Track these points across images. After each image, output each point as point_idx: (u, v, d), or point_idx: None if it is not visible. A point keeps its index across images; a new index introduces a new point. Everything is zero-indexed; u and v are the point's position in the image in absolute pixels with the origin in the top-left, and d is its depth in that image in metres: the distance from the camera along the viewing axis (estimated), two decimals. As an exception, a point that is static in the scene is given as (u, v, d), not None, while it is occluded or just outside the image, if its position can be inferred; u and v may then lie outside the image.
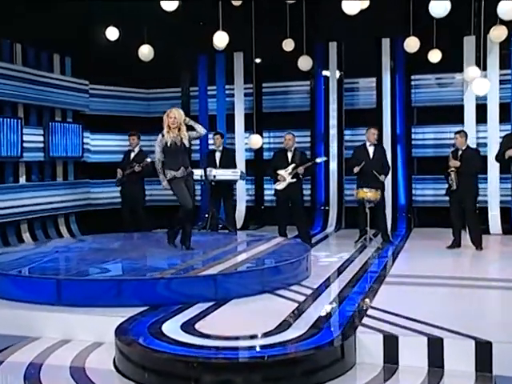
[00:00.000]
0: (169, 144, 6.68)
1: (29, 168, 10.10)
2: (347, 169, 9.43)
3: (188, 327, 4.67)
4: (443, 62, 10.11)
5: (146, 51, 10.43)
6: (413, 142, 10.97)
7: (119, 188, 9.61)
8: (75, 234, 10.86)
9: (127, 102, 12.11)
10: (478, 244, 8.35)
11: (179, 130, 6.72)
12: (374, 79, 11.06)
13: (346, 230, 10.75)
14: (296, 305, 5.33)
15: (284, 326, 4.66)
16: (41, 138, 10.22)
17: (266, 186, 11.73)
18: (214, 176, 9.23)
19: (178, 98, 12.07)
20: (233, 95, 11.69)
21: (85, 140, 11.24)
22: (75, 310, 5.16)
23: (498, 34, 9.38)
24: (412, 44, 9.95)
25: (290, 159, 8.95)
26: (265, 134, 11.41)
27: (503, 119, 10.36)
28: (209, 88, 11.81)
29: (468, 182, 8.22)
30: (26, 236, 9.82)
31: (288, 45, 10.50)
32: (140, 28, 10.76)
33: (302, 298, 5.57)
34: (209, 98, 11.85)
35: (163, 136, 6.75)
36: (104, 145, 11.75)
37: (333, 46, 11.17)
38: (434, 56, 10.05)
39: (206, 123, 11.69)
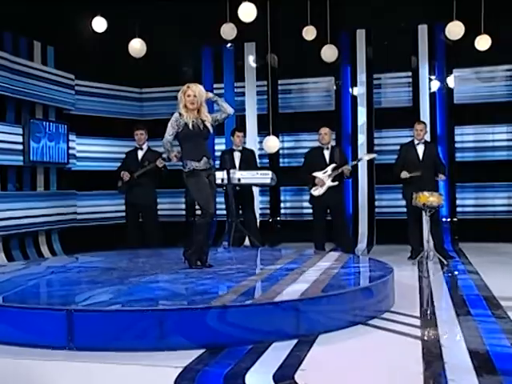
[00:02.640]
0: (190, 126, 5.13)
1: (4, 174, 8.30)
2: (394, 174, 7.92)
3: (286, 380, 3.00)
4: (490, 51, 8.75)
5: (137, 46, 8.98)
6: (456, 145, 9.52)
7: (119, 194, 8.01)
8: (58, 255, 9.04)
9: (116, 102, 10.41)
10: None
11: (199, 111, 5.19)
12: (410, 73, 9.59)
13: (380, 247, 9.18)
14: (418, 342, 3.69)
15: (433, 376, 3.02)
16: (19, 139, 8.43)
17: (282, 198, 10.13)
18: (239, 179, 7.55)
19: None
20: (243, 94, 10.10)
21: (70, 144, 9.48)
22: (94, 356, 3.44)
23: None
24: (456, 30, 8.56)
25: (327, 158, 7.40)
26: (281, 138, 9.84)
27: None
28: (215, 86, 10.17)
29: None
30: (1, 256, 7.97)
31: (309, 33, 9.02)
32: (132, 18, 9.29)
33: (416, 332, 3.94)
34: (215, 96, 10.20)
35: (180, 115, 5.19)
36: (92, 150, 10.02)
37: (361, 35, 9.67)
38: (483, 43, 8.67)
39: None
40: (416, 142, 7.53)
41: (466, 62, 9.31)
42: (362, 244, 9.39)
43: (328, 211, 7.63)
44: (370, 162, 9.37)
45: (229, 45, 10.11)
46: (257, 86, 10.06)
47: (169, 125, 5.22)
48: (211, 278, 4.80)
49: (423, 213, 7.14)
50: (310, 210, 10.21)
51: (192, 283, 4.60)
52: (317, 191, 7.40)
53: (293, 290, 4.23)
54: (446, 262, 7.12)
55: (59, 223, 9.19)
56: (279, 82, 10.06)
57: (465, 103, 9.40)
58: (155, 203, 7.72)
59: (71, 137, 9.49)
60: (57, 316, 3.69)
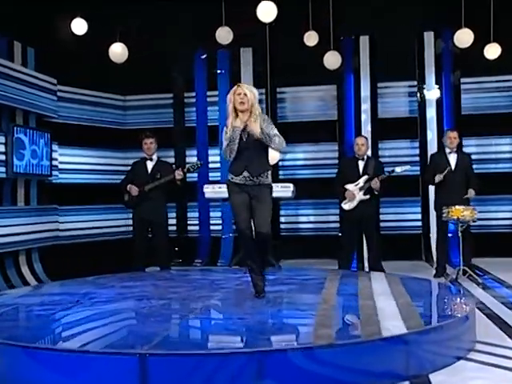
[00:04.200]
0: (233, 137, 4.41)
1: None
2: (426, 180, 7.48)
3: None
4: (498, 60, 8.47)
5: (118, 50, 8.31)
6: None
7: (126, 209, 7.38)
8: (40, 276, 8.17)
9: (98, 110, 9.62)
10: None
11: (250, 114, 4.45)
12: (415, 82, 9.21)
13: (389, 263, 8.68)
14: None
15: None
16: (1, 148, 7.56)
17: (282, 213, 9.56)
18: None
19: (169, 105, 9.73)
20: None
21: (52, 155, 8.65)
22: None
23: None
24: (465, 38, 8.23)
25: (361, 170, 6.89)
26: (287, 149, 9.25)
27: None
28: (208, 93, 9.55)
29: None
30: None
31: (311, 38, 8.52)
32: (114, 20, 8.63)
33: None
34: (209, 105, 9.56)
35: (226, 126, 4.53)
36: (76, 162, 9.21)
37: (364, 42, 9.22)
38: (492, 51, 8.38)
39: (205, 136, 9.49)
40: (448, 150, 7.09)
41: (474, 71, 8.97)
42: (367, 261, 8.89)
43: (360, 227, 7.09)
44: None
45: (203, 56, 9.51)
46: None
47: (223, 139, 4.58)
48: (274, 306, 4.14)
49: (455, 227, 6.69)
50: (307, 225, 9.78)
51: (257, 315, 3.93)
52: (347, 205, 6.87)
53: (389, 323, 3.62)
54: (480, 280, 6.69)
55: (40, 241, 8.33)
56: (278, 90, 9.50)
57: (472, 114, 9.05)
58: (166, 219, 6.99)
59: (53, 146, 8.67)
60: (127, 362, 2.97)
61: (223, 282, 5.44)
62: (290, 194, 6.94)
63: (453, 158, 7.05)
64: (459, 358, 3.59)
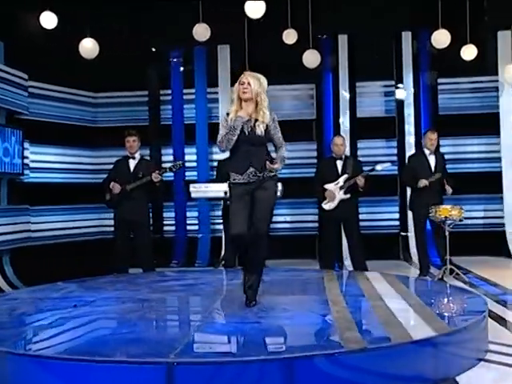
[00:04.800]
0: (234, 127, 4.12)
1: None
2: (404, 181, 7.46)
3: None
4: (474, 62, 8.58)
5: (89, 46, 8.10)
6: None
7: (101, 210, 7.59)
8: (11, 280, 7.84)
9: (68, 107, 9.31)
10: None
11: (256, 105, 4.20)
12: (393, 82, 9.24)
13: (367, 262, 8.69)
14: None
15: None
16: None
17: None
18: (244, 192, 6.74)
19: (144, 103, 9.49)
20: (216, 100, 9.31)
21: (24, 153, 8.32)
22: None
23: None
24: (442, 39, 8.32)
25: (340, 169, 6.83)
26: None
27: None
28: (185, 91, 9.36)
29: None
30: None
31: (290, 36, 8.44)
32: (86, 14, 8.38)
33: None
34: (185, 103, 9.36)
35: (228, 114, 4.25)
36: (46, 160, 8.89)
37: (343, 41, 9.19)
38: (468, 52, 8.48)
39: (181, 134, 9.30)
40: (427, 152, 7.09)
41: (451, 72, 9.05)
42: (347, 261, 8.86)
43: (341, 226, 7.03)
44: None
45: (175, 59, 9.33)
46: (232, 92, 9.29)
47: (220, 127, 4.31)
48: (286, 309, 4.03)
49: (441, 226, 6.70)
50: (284, 225, 9.68)
51: (271, 318, 3.80)
52: (328, 205, 6.80)
53: (412, 325, 3.55)
54: (466, 279, 6.73)
55: (11, 243, 8.00)
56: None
57: (449, 114, 9.13)
58: (149, 219, 6.79)
59: (25, 144, 8.34)
60: (154, 371, 2.81)
61: (220, 284, 5.29)
62: (278, 194, 6.79)
63: (432, 160, 7.05)
64: (480, 360, 3.55)
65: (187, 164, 9.31)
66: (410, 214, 9.00)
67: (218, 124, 9.17)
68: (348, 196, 6.82)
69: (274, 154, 4.38)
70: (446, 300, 4.60)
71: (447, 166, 7.26)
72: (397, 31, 9.13)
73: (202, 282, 5.53)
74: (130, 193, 6.45)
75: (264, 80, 4.28)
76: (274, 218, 9.32)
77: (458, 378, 3.28)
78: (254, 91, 4.17)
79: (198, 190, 6.80)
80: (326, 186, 6.81)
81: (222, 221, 8.01)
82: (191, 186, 6.98)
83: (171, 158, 9.22)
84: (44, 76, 8.72)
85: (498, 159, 9.01)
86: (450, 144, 9.15)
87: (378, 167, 7.02)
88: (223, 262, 7.12)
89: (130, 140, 6.61)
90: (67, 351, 3.13)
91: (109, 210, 9.51)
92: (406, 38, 9.11)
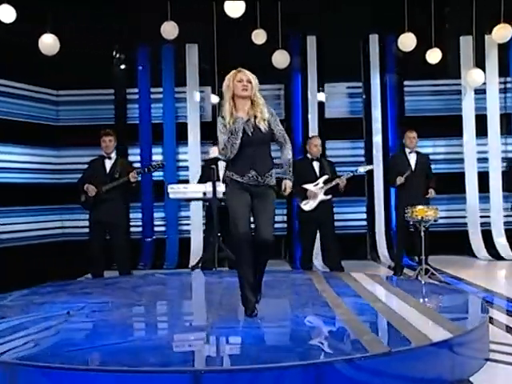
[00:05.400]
0: (236, 129, 3.91)
1: None
2: (388, 180, 7.52)
3: None
4: (438, 65, 8.80)
5: (49, 42, 7.90)
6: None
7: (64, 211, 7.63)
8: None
9: (28, 105, 9.00)
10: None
11: (252, 103, 4.03)
12: (361, 83, 9.35)
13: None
14: None
15: None
16: None
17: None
18: (224, 193, 6.64)
19: (110, 101, 9.28)
20: (184, 99, 9.20)
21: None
22: None
23: (502, 33, 8.35)
24: (408, 42, 8.49)
25: (317, 170, 6.86)
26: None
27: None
28: (152, 90, 9.20)
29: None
30: None
31: (259, 37, 8.43)
32: (47, 8, 8.15)
33: None
34: (152, 102, 9.21)
35: (223, 118, 4.00)
36: (6, 160, 8.59)
37: (311, 42, 9.24)
38: (433, 56, 8.68)
39: (148, 133, 9.15)
40: (408, 150, 7.21)
41: (416, 75, 9.23)
42: (318, 260, 8.91)
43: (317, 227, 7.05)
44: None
45: (142, 58, 9.19)
46: (200, 92, 9.22)
47: (218, 132, 4.05)
48: (294, 313, 3.99)
49: (418, 227, 6.80)
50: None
51: (285, 322, 3.75)
52: (308, 205, 6.81)
53: (426, 327, 3.56)
54: (441, 278, 6.86)
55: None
56: (224, 87, 9.29)
57: (415, 115, 9.31)
58: (125, 220, 6.63)
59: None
60: (180, 380, 2.73)
61: (216, 286, 5.22)
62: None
63: (412, 158, 7.18)
64: (486, 360, 3.62)
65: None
66: (378, 214, 9.30)
67: (185, 124, 9.28)
68: (329, 197, 6.86)
69: (277, 160, 4.27)
70: (443, 300, 4.68)
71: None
72: (364, 34, 9.23)
73: (188, 285, 5.45)
74: (106, 194, 6.29)
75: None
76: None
77: (471, 379, 3.33)
78: (253, 89, 4.03)
79: (177, 191, 6.68)
80: (306, 186, 6.81)
81: (204, 221, 7.91)
82: (169, 186, 6.85)
83: (138, 158, 9.06)
84: (2, 72, 8.39)
85: (461, 160, 9.24)
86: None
87: (361, 169, 7.10)
88: (201, 264, 7.01)
89: (106, 140, 6.46)
90: (90, 361, 3.01)
91: (72, 211, 9.41)
92: (373, 40, 9.23)
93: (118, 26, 8.92)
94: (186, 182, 8.66)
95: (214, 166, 6.68)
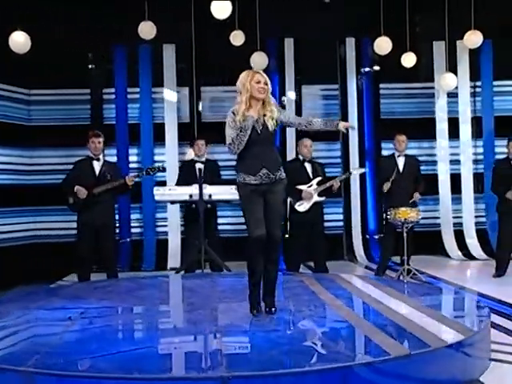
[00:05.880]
0: (246, 127, 3.99)
1: None
2: (379, 185, 7.57)
3: None
4: (412, 69, 8.97)
5: (20, 40, 7.77)
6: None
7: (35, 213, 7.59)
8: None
9: (0, 104, 8.79)
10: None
11: (263, 103, 4.12)
12: (337, 86, 9.45)
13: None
14: None
15: None
16: None
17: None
18: (210, 195, 6.63)
19: (86, 101, 9.14)
20: (162, 100, 9.13)
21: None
22: None
23: (473, 39, 8.57)
24: (383, 46, 8.63)
25: (310, 172, 6.91)
26: (207, 150, 9.02)
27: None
28: (129, 90, 9.10)
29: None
30: None
31: (237, 38, 8.44)
32: (18, 5, 7.99)
33: None
34: (129, 102, 9.10)
35: (235, 114, 4.10)
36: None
37: (289, 44, 9.29)
38: (408, 60, 8.84)
39: (125, 134, 9.05)
40: (397, 153, 7.32)
41: (392, 78, 9.39)
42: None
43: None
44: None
45: (119, 57, 9.09)
46: (177, 92, 9.16)
47: (226, 127, 4.14)
48: (302, 317, 4.01)
49: (402, 228, 6.91)
50: (226, 227, 9.60)
51: (298, 327, 3.77)
52: (302, 206, 6.85)
53: (436, 328, 3.63)
54: (423, 278, 7.00)
55: None
56: (202, 88, 9.28)
57: (390, 118, 9.46)
58: (115, 222, 6.55)
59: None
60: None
61: (211, 290, 5.20)
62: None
63: (401, 161, 7.26)
64: (491, 360, 3.72)
65: (132, 165, 9.11)
66: (354, 213, 9.42)
67: (162, 124, 9.20)
68: (323, 199, 6.93)
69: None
70: (441, 300, 4.78)
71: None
72: (341, 37, 9.34)
73: (179, 288, 5.42)
74: (97, 197, 6.19)
75: None
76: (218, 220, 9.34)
77: (481, 379, 3.43)
78: (267, 92, 4.13)
79: (163, 194, 6.62)
80: (301, 188, 6.84)
81: (183, 223, 7.87)
82: (155, 188, 6.78)
83: (115, 158, 8.93)
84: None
85: (435, 162, 9.44)
86: (391, 148, 9.44)
87: (355, 171, 7.16)
88: (184, 267, 6.97)
89: (96, 141, 6.36)
90: (108, 368, 2.97)
91: (44, 213, 9.23)
92: (350, 43, 9.34)
93: (95, 25, 8.76)
94: (164, 183, 8.57)
95: (201, 168, 6.65)
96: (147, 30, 8.16)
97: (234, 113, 4.13)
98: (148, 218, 9.14)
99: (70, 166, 6.47)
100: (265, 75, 4.19)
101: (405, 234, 6.93)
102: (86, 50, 8.99)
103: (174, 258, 8.86)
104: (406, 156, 7.33)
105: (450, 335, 3.45)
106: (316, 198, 6.84)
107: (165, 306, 4.64)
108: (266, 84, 4.13)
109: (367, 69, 9.37)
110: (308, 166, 6.95)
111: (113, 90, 9.08)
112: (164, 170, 6.75)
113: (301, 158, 7.03)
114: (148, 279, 6.44)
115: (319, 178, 6.88)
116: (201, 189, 6.50)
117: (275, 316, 4.01)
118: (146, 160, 9.03)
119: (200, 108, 9.27)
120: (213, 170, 7.01)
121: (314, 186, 6.84)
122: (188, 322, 4.02)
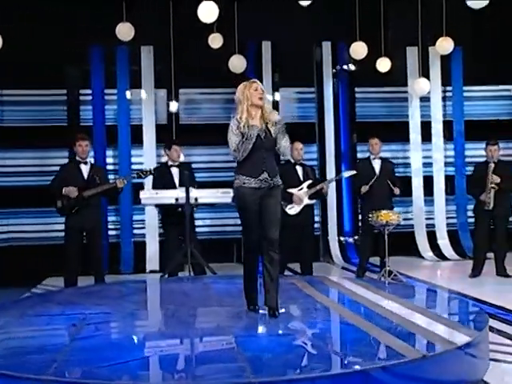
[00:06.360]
0: (251, 135, 4.13)
1: None
2: (355, 189, 7.66)
3: None
4: (387, 73, 9.19)
5: None
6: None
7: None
8: None
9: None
10: (504, 269, 7.41)
11: (261, 110, 4.27)
12: (314, 89, 9.58)
13: (291, 265, 8.92)
14: None
15: None
16: None
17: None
18: (196, 199, 6.65)
19: (62, 102, 9.02)
20: (139, 102, 9.09)
21: None
22: None
23: (444, 46, 8.83)
24: (359, 50, 8.82)
25: (301, 175, 7.00)
26: (185, 152, 9.03)
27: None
28: (106, 91, 9.01)
29: (505, 201, 7.26)
30: None
31: (215, 41, 8.50)
32: None
33: None
34: (106, 104, 9.02)
35: (239, 122, 4.21)
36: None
37: (266, 47, 9.37)
38: (383, 65, 9.04)
39: (102, 136, 8.97)
40: (372, 156, 7.46)
41: (367, 82, 9.56)
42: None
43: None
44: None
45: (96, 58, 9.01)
46: (155, 94, 9.13)
47: (229, 133, 4.22)
48: (308, 320, 4.08)
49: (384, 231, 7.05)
50: (204, 229, 9.62)
51: (310, 330, 3.83)
52: (293, 209, 6.91)
53: (443, 330, 3.75)
54: (403, 280, 7.16)
55: None
56: (180, 90, 9.28)
57: (365, 121, 9.63)
58: (102, 225, 6.51)
59: None
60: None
61: (206, 293, 5.22)
62: (229, 200, 6.77)
63: (377, 164, 7.40)
64: (490, 360, 3.86)
65: (109, 167, 9.03)
66: (330, 216, 9.56)
67: (140, 126, 9.15)
68: (313, 202, 7.02)
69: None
70: (437, 302, 4.93)
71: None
72: (318, 41, 9.47)
73: (170, 291, 5.43)
74: (87, 200, 6.14)
75: None
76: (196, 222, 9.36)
77: (485, 379, 3.57)
78: (264, 100, 4.29)
79: (149, 197, 6.60)
80: (292, 191, 6.90)
81: (161, 225, 7.85)
82: (141, 192, 6.76)
83: (92, 160, 8.82)
84: None
85: (409, 165, 9.66)
86: (365, 150, 9.63)
87: (345, 174, 7.30)
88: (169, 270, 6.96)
89: (83, 144, 6.31)
90: (130, 376, 2.98)
91: (18, 215, 9.07)
92: (326, 47, 9.48)
93: (72, 25, 8.66)
94: (141, 185, 8.53)
95: (186, 172, 6.67)
96: (125, 31, 8.13)
97: (238, 120, 4.23)
98: (125, 220, 9.08)
99: (45, 168, 6.40)
100: (260, 84, 4.35)
101: (386, 237, 7.09)
102: (63, 49, 8.84)
103: (152, 261, 8.84)
104: (381, 159, 7.48)
105: (456, 336, 3.57)
106: (306, 201, 6.92)
107: (164, 310, 4.64)
108: (263, 91, 4.29)
109: (345, 66, 9.50)
110: (299, 169, 7.03)
111: (89, 91, 8.98)
112: (153, 173, 6.71)
113: (292, 160, 7.10)
114: (139, 283, 6.41)
115: (310, 181, 6.96)
116: (187, 192, 6.51)
117: (281, 320, 4.07)
118: (123, 162, 8.99)
119: (174, 109, 9.24)
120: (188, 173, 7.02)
121: (305, 190, 6.92)
122: (190, 326, 4.03)
